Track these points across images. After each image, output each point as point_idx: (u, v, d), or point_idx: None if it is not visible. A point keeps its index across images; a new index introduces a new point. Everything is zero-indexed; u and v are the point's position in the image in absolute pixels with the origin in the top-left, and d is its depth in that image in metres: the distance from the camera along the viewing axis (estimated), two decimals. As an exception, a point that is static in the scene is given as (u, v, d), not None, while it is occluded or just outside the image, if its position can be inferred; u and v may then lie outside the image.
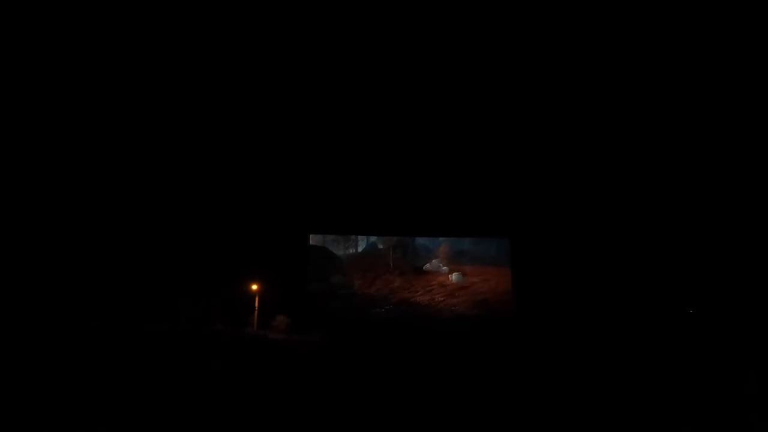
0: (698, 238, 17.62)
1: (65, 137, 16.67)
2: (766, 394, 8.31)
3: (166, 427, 6.59)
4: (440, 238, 20.25)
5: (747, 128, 15.63)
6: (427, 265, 19.90)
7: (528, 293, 18.76)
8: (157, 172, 18.02)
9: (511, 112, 17.51)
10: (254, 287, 17.28)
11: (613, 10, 13.59)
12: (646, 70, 15.66)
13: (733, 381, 9.45)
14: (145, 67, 16.16)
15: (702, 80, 15.34)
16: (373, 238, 20.15)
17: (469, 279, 19.62)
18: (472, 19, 14.44)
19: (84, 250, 16.46)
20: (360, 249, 20.07)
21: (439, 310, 19.13)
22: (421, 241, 20.25)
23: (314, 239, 19.95)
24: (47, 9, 13.60)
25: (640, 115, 16.64)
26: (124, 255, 16.91)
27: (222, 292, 16.83)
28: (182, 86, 16.97)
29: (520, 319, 18.38)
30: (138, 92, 16.77)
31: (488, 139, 18.56)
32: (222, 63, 16.31)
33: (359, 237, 20.09)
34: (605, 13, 13.70)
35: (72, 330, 12.95)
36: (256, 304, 16.94)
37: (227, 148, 18.38)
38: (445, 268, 19.85)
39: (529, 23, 14.32)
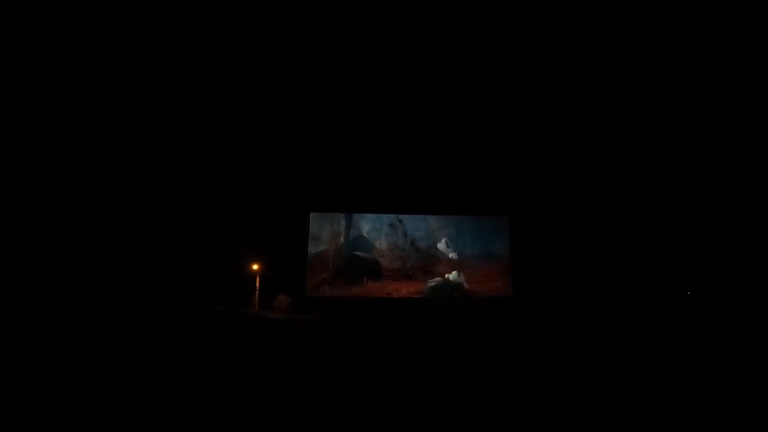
0: (697, 220, 17.56)
1: (66, 123, 16.67)
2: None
3: (169, 408, 6.78)
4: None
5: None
6: (438, 244, 19.71)
7: (527, 271, 18.89)
8: (157, 153, 18.01)
9: (508, 92, 17.23)
10: (255, 267, 17.46)
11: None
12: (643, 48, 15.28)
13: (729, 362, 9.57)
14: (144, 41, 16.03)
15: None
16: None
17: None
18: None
19: (88, 235, 16.65)
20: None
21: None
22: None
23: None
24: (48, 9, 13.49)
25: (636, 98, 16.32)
26: (126, 239, 17.08)
27: (223, 273, 17.04)
28: (183, 65, 16.83)
29: (519, 296, 18.59)
30: (138, 72, 16.66)
31: (488, 117, 18.31)
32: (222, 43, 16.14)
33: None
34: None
35: (78, 314, 13.27)
36: (257, 283, 17.15)
37: (227, 129, 18.30)
38: (453, 254, 19.58)
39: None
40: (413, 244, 19.60)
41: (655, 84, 16.03)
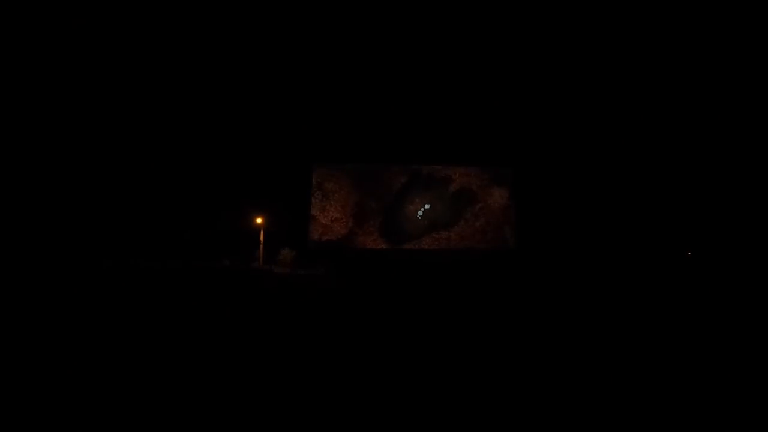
0: (700, 178, 17.29)
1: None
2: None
3: (174, 362, 6.94)
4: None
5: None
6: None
7: (530, 226, 18.85)
8: (158, 106, 17.47)
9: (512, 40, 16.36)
10: (259, 221, 17.42)
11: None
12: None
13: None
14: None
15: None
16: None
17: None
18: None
19: (92, 192, 16.50)
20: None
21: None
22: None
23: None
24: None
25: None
26: (130, 196, 16.92)
27: (228, 227, 17.03)
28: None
29: (522, 251, 18.69)
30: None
31: (494, 67, 17.53)
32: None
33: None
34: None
35: (86, 271, 13.43)
36: (261, 238, 17.20)
37: (229, 80, 17.61)
38: None
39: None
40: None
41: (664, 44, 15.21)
